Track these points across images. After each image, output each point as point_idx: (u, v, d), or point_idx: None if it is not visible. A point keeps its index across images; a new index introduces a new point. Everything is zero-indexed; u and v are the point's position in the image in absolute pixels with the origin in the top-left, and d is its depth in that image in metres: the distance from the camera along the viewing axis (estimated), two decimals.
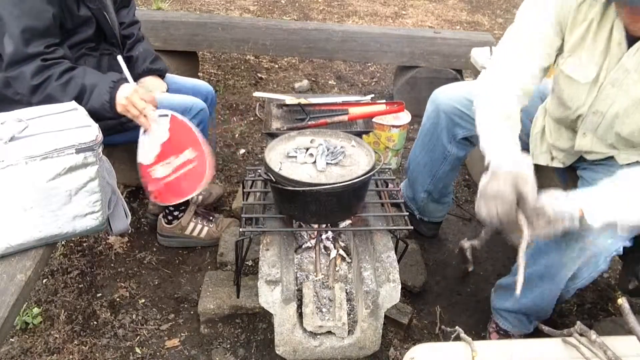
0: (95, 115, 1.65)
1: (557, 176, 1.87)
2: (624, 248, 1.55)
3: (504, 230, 1.29)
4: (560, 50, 1.54)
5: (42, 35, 1.63)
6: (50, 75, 1.62)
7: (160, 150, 1.75)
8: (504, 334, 1.80)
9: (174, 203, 1.94)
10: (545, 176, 2.37)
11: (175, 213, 2.20)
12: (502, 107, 1.51)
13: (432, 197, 2.15)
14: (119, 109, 1.67)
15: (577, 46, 1.47)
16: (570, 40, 1.48)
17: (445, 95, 1.91)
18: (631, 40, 1.37)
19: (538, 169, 2.10)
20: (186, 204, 2.21)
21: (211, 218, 2.27)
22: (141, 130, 1.76)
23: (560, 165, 1.75)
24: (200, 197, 2.40)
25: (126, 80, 1.72)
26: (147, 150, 1.76)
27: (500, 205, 1.26)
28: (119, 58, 1.76)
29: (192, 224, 2.22)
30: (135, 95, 1.67)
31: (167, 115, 1.75)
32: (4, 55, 1.64)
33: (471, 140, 1.93)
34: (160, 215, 2.25)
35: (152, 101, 1.72)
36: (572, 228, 1.29)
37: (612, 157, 1.57)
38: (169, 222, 2.21)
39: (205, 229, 2.23)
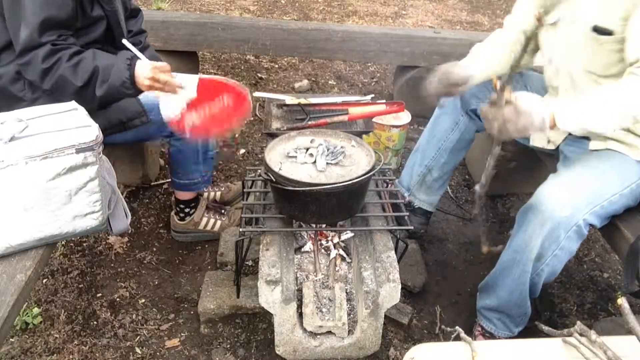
0: (112, 95, 1.68)
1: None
2: (611, 236, 1.63)
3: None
4: None
5: (59, 26, 1.65)
6: (60, 57, 1.63)
7: (186, 106, 1.75)
8: (490, 337, 1.81)
9: (213, 137, 2.00)
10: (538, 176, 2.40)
11: (187, 210, 2.23)
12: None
13: (430, 176, 2.17)
14: (144, 89, 1.70)
15: None
16: None
17: None
18: None
19: (533, 165, 2.16)
20: (197, 200, 2.25)
21: (223, 211, 2.31)
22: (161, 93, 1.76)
23: (552, 147, 1.84)
24: (219, 193, 2.42)
25: (138, 57, 1.73)
26: (172, 106, 1.76)
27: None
28: (124, 41, 1.77)
29: (205, 219, 2.26)
30: (155, 72, 1.68)
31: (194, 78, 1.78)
32: (16, 44, 1.64)
33: (479, 116, 2.05)
34: (172, 213, 2.28)
35: (169, 71, 1.73)
36: (542, 128, 1.43)
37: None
38: (182, 219, 2.25)
39: (219, 222, 2.27)
